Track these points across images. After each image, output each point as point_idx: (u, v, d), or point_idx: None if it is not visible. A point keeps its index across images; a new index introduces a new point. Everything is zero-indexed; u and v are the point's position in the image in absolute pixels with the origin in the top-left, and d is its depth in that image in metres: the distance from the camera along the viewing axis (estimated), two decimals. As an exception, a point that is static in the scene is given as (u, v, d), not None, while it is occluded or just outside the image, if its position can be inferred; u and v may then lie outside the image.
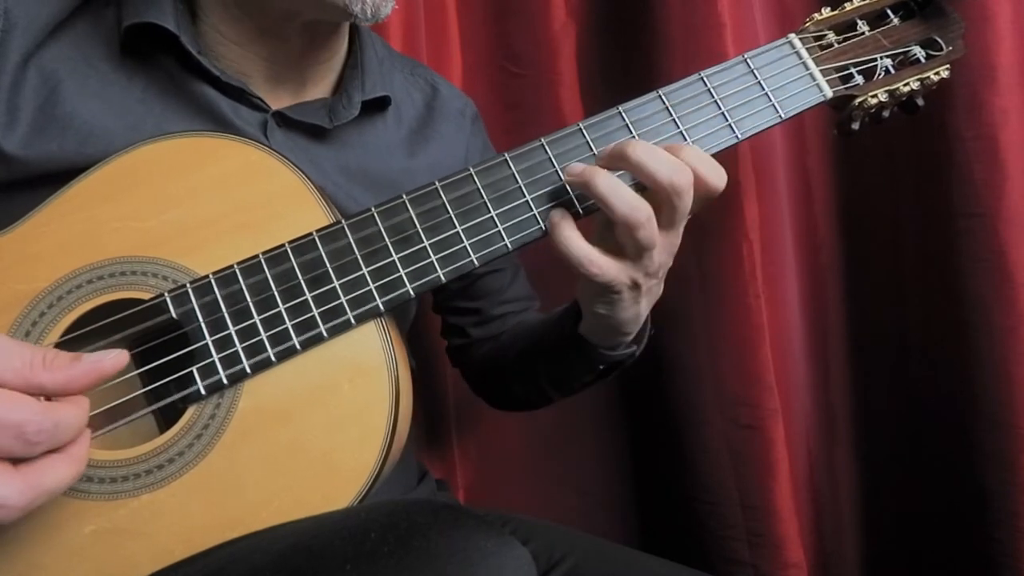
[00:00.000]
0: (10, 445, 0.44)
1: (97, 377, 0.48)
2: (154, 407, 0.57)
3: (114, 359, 0.48)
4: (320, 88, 0.74)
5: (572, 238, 0.61)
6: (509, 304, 0.92)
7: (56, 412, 0.45)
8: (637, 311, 0.66)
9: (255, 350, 0.56)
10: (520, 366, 0.83)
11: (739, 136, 0.65)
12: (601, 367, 0.74)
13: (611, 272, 0.61)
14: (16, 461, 0.45)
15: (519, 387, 0.86)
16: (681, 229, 0.62)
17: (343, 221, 0.59)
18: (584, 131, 0.63)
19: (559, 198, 0.62)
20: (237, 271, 0.58)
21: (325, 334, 0.57)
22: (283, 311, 0.57)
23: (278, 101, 0.70)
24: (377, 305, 0.58)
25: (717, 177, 0.61)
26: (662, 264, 0.63)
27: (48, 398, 0.47)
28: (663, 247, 0.61)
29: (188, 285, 0.57)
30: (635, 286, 0.63)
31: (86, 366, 0.47)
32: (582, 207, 0.62)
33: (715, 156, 0.63)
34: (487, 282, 0.90)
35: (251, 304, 0.57)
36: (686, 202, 0.59)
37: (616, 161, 0.60)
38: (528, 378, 0.83)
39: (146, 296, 0.57)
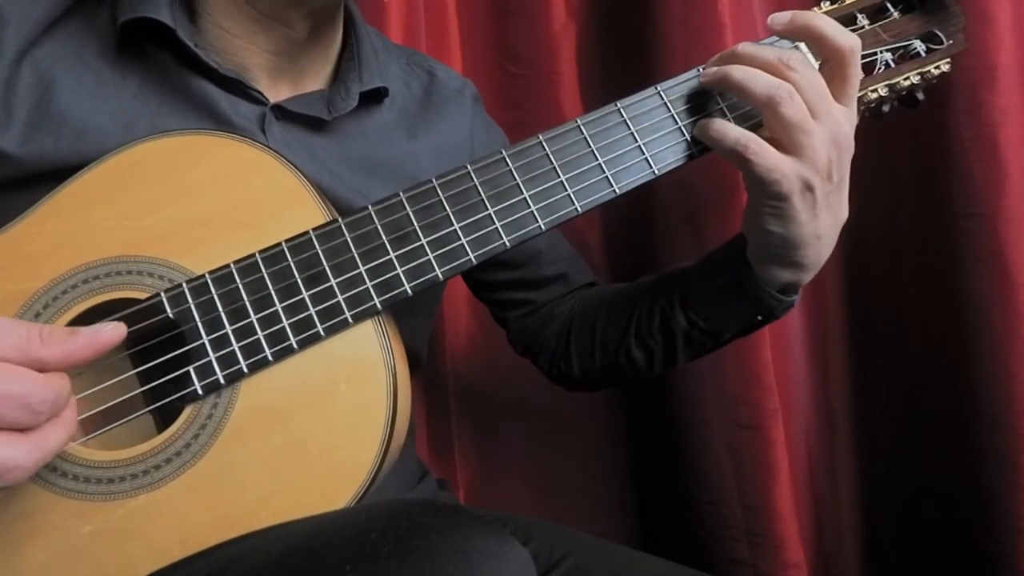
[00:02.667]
0: (17, 415, 0.45)
1: (95, 350, 0.49)
2: (152, 408, 0.57)
3: (111, 331, 0.50)
4: (318, 80, 0.74)
5: (725, 124, 0.62)
6: (560, 263, 0.89)
7: (55, 383, 0.47)
8: (816, 228, 0.64)
9: (252, 349, 0.56)
10: (643, 319, 0.78)
11: (738, 131, 0.65)
12: (759, 317, 0.72)
13: (773, 159, 0.60)
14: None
15: (635, 349, 0.79)
16: (854, 106, 0.62)
17: (340, 220, 0.59)
18: (582, 127, 0.63)
19: (557, 195, 0.62)
20: (233, 270, 0.57)
21: (322, 333, 0.57)
22: (280, 310, 0.57)
23: (277, 94, 0.70)
24: (375, 304, 0.58)
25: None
26: (832, 160, 0.61)
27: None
28: (825, 133, 0.60)
29: (184, 284, 0.56)
30: (807, 189, 0.61)
31: (84, 339, 0.49)
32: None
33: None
34: (527, 245, 0.84)
35: (248, 303, 0.57)
36: (857, 68, 0.61)
37: (799, 32, 0.63)
38: (645, 333, 0.78)
39: (142, 296, 0.56)
